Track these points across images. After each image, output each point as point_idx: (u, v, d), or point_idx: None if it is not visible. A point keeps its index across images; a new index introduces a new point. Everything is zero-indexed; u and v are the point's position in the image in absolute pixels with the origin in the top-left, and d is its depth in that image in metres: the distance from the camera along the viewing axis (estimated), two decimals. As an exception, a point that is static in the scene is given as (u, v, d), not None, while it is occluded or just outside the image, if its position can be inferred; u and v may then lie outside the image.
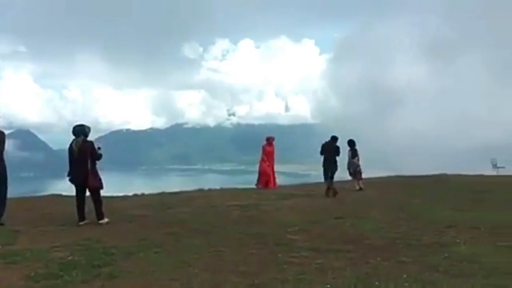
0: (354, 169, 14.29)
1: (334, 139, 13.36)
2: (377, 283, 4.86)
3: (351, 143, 14.47)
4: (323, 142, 13.43)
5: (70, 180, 8.64)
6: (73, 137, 8.51)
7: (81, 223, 8.46)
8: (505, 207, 10.37)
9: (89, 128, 8.71)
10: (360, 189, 13.92)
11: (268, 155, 15.81)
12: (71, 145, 8.50)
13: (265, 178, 15.59)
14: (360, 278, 5.02)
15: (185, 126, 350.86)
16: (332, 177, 13.05)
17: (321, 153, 13.32)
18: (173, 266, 5.57)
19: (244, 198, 12.23)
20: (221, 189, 15.50)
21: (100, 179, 8.58)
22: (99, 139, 8.92)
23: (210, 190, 15.02)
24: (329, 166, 13.09)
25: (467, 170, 21.60)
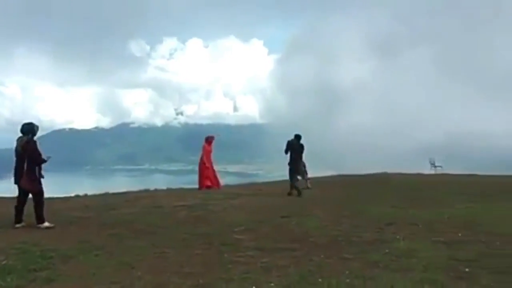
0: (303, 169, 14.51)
1: (298, 137, 13.33)
2: (320, 280, 4.96)
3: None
4: (289, 140, 13.30)
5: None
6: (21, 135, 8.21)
7: (17, 225, 8.10)
8: (441, 204, 10.88)
9: (37, 127, 8.40)
10: (307, 188, 14.17)
11: (208, 155, 15.56)
12: (16, 144, 8.22)
13: (208, 179, 15.33)
14: (304, 276, 5.10)
15: (131, 125, 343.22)
16: (305, 174, 13.16)
17: (286, 151, 13.22)
18: (114, 268, 5.42)
19: (191, 198, 12.12)
20: (168, 189, 15.31)
21: (36, 182, 8.18)
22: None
23: (156, 190, 14.79)
24: (296, 165, 13.13)
25: (407, 169, 22.53)
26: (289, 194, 12.78)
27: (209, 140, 15.83)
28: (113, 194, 13.52)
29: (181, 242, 6.90)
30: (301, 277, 5.04)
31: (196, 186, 15.53)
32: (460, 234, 7.42)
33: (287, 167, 13.31)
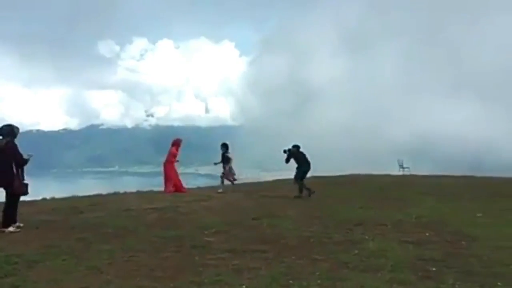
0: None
1: (297, 147, 13.48)
2: (291, 281, 4.99)
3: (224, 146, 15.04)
4: (288, 148, 13.45)
5: None
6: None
7: (4, 229, 7.95)
8: (409, 205, 11.12)
9: (17, 129, 8.28)
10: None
11: (174, 159, 15.25)
12: None
13: (174, 183, 14.96)
14: (275, 278, 5.11)
15: (100, 127, 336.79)
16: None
17: (288, 160, 13.39)
18: (83, 273, 5.31)
19: (161, 200, 12.00)
20: (138, 192, 15.08)
21: (20, 185, 8.08)
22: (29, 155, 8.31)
23: (125, 193, 14.56)
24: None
25: (376, 170, 22.92)
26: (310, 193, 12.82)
27: (178, 143, 15.51)
28: (81, 197, 13.24)
29: (151, 245, 6.81)
30: (273, 279, 5.06)
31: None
32: (427, 234, 7.60)
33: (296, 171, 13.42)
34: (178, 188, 14.82)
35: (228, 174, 14.92)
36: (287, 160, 13.41)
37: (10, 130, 8.10)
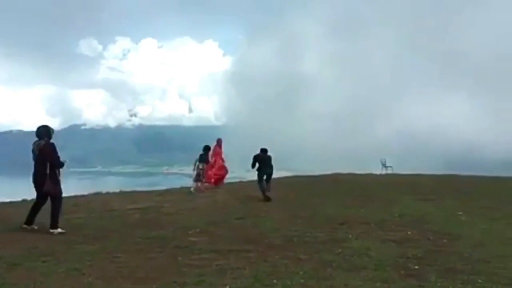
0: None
1: (265, 150, 13.39)
2: (275, 281, 4.98)
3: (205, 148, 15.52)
4: (256, 154, 13.24)
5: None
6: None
7: (26, 226, 7.89)
8: (391, 203, 11.22)
9: (53, 130, 8.19)
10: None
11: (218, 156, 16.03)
12: (33, 147, 7.93)
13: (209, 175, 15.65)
14: (259, 277, 5.10)
15: (83, 127, 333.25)
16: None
17: (253, 165, 13.17)
18: (64, 275, 5.21)
19: (144, 201, 11.90)
20: (121, 192, 14.94)
21: (58, 185, 7.99)
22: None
23: (108, 193, 14.41)
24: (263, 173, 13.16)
25: (360, 169, 23.08)
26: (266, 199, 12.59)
27: (219, 142, 16.35)
28: (64, 197, 13.04)
29: (134, 246, 6.74)
30: (256, 279, 5.04)
31: (151, 188, 15.41)
32: (409, 233, 7.67)
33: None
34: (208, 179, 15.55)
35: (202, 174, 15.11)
36: (253, 165, 13.18)
37: (46, 131, 8.02)
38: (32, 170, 7.95)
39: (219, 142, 16.44)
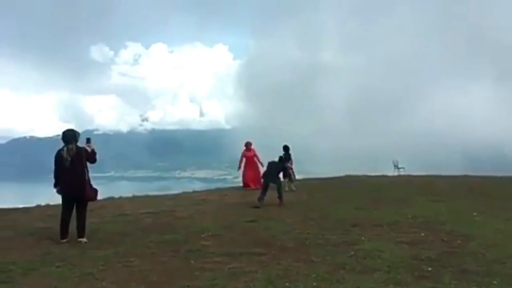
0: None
1: (286, 148, 13.38)
2: (287, 284, 4.98)
3: (286, 148, 15.49)
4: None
5: (61, 192, 7.75)
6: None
7: (64, 240, 7.56)
8: (404, 205, 11.13)
9: (79, 133, 7.97)
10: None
11: (248, 159, 16.47)
12: (60, 153, 7.64)
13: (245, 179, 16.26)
14: (271, 280, 5.10)
15: (95, 132, 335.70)
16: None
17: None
18: (78, 279, 5.27)
19: (157, 205, 11.94)
20: (133, 197, 15.01)
21: (96, 190, 7.89)
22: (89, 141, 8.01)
23: (121, 198, 14.49)
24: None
25: (372, 170, 22.95)
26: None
27: (248, 146, 16.61)
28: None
29: (147, 250, 6.78)
30: (269, 282, 5.05)
31: (164, 192, 15.60)
32: (422, 234, 7.61)
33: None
34: (246, 183, 16.22)
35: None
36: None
37: (73, 135, 7.82)
38: (53, 175, 7.73)
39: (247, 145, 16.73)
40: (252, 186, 15.85)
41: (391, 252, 6.34)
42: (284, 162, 14.42)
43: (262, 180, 13.12)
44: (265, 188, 12.24)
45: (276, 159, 13.08)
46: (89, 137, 8.11)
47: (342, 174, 20.74)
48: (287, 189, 14.52)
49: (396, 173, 24.61)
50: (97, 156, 8.00)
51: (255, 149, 16.63)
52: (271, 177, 12.59)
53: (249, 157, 16.52)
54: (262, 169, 15.31)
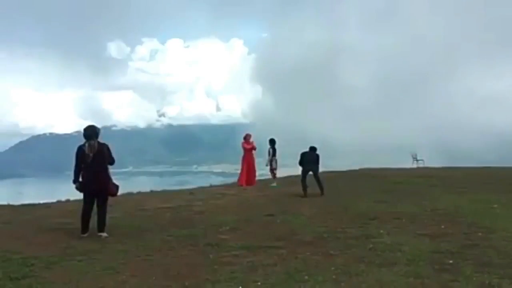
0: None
1: (314, 149, 13.39)
2: (306, 277, 4.97)
3: (272, 142, 15.66)
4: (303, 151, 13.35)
5: (81, 188, 7.80)
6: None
7: (84, 235, 7.66)
8: (423, 197, 11.02)
9: (99, 129, 7.98)
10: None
11: (246, 152, 16.05)
12: (81, 148, 7.67)
13: (243, 176, 15.88)
14: (290, 274, 5.10)
15: (113, 128, 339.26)
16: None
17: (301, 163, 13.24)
18: (99, 273, 5.34)
19: (175, 200, 12.03)
20: (152, 192, 15.15)
21: (117, 186, 7.98)
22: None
23: (139, 193, 14.64)
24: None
25: (390, 164, 22.76)
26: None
27: (246, 138, 16.23)
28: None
29: (166, 244, 6.84)
30: (288, 275, 5.05)
31: (182, 187, 15.61)
32: (443, 227, 7.53)
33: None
34: (246, 181, 15.73)
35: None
36: (300, 162, 13.22)
37: (94, 131, 7.82)
38: (72, 171, 7.75)
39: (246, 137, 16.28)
40: (245, 185, 15.46)
41: (411, 245, 6.28)
42: (273, 156, 15.22)
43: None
44: (304, 177, 12.52)
45: (305, 150, 13.16)
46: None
47: (360, 166, 20.62)
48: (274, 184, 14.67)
49: (415, 165, 24.39)
50: (114, 156, 8.06)
51: (254, 142, 16.18)
52: (311, 165, 12.70)
53: (247, 149, 16.03)
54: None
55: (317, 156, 13.10)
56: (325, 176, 14.43)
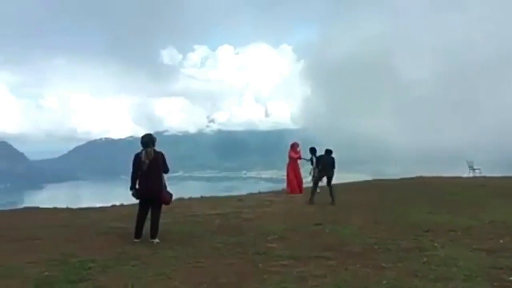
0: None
1: (329, 152, 13.31)
2: (357, 290, 4.88)
3: (313, 150, 15.15)
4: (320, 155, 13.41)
5: (137, 194, 8.00)
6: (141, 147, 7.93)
7: (137, 240, 7.89)
8: (481, 209, 10.56)
9: (155, 138, 8.20)
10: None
11: (293, 161, 16.07)
12: (138, 156, 7.90)
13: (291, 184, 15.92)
14: (340, 286, 5.03)
15: (165, 133, 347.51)
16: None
17: (318, 165, 13.36)
18: (152, 278, 5.48)
19: (224, 206, 12.16)
20: (201, 198, 15.39)
21: (171, 194, 8.21)
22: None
23: (190, 199, 14.91)
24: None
25: (445, 171, 21.99)
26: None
27: (293, 146, 16.22)
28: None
29: (215, 251, 6.93)
30: (337, 287, 4.98)
31: (231, 193, 15.73)
32: (501, 241, 7.19)
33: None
34: (293, 189, 15.73)
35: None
36: (317, 165, 13.31)
37: (150, 139, 8.01)
38: (130, 178, 7.92)
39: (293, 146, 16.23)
40: (298, 193, 15.41)
41: (467, 260, 6.03)
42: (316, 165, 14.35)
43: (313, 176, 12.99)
44: (316, 184, 12.57)
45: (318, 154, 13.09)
46: None
47: (414, 175, 20.04)
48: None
49: (471, 175, 23.43)
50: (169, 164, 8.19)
51: (300, 151, 16.10)
52: (328, 169, 12.73)
53: (294, 158, 15.97)
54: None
55: (333, 159, 12.93)
56: (376, 184, 14.17)
